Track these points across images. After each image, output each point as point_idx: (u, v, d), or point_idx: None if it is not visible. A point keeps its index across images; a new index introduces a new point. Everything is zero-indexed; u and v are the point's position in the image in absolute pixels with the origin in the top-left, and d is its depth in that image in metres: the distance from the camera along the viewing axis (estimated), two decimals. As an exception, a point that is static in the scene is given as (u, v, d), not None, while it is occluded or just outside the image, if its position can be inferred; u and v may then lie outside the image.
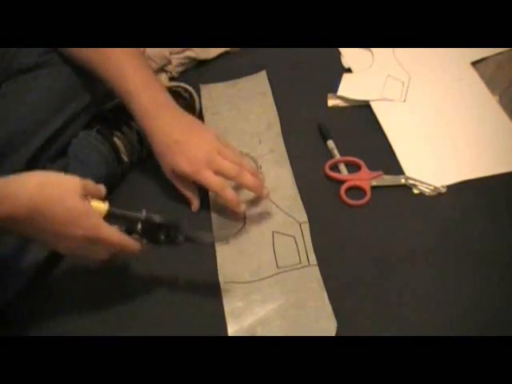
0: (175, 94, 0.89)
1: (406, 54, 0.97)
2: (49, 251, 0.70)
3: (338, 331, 0.65)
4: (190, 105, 0.89)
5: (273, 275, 0.69)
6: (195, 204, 0.76)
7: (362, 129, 0.88)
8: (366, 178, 0.80)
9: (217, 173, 0.71)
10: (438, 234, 0.73)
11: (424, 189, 0.79)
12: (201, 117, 0.90)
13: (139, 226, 0.60)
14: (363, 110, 0.91)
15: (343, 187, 0.79)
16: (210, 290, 0.69)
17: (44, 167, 0.74)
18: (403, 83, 0.93)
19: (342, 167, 0.83)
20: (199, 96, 0.91)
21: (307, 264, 0.70)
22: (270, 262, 0.70)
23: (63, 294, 0.72)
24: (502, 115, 0.87)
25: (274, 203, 0.76)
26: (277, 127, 0.87)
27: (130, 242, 0.61)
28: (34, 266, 0.69)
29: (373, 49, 0.99)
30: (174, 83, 0.93)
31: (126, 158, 0.81)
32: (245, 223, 0.74)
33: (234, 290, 0.68)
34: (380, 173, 0.80)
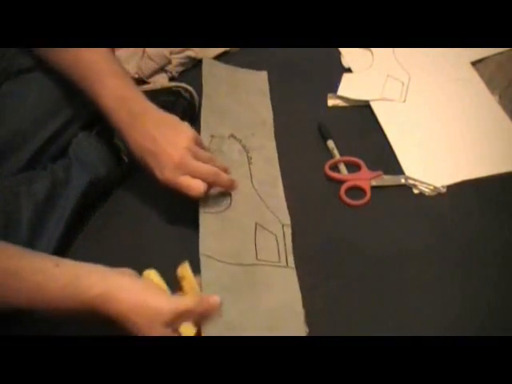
0: (175, 93, 0.89)
1: (406, 54, 0.97)
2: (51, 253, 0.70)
3: (337, 331, 0.65)
4: (190, 105, 0.89)
5: (251, 265, 0.67)
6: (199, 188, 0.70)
7: (362, 129, 0.88)
8: (366, 178, 0.80)
9: (194, 177, 0.68)
10: (437, 234, 0.74)
11: (424, 189, 0.79)
12: (200, 116, 0.90)
13: None
14: (363, 109, 0.91)
15: (343, 187, 0.79)
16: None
17: (45, 167, 0.74)
18: (403, 83, 0.93)
19: (342, 167, 0.83)
20: (199, 96, 0.91)
21: (285, 265, 0.68)
22: (250, 251, 0.68)
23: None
24: (502, 115, 0.87)
25: (260, 197, 0.75)
26: (270, 127, 0.86)
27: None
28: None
29: (373, 49, 0.99)
30: (173, 83, 0.93)
31: (126, 158, 0.81)
32: (230, 202, 0.72)
33: (213, 266, 0.65)
34: (380, 173, 0.80)
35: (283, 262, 0.69)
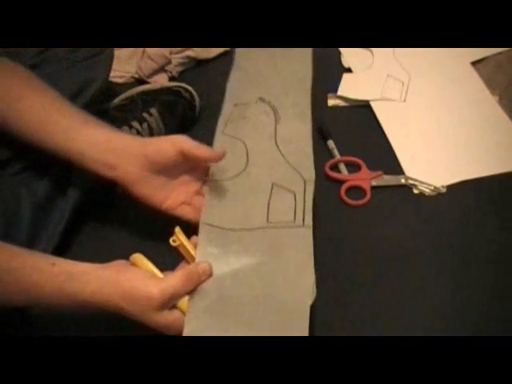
0: (175, 93, 0.89)
1: (406, 54, 0.97)
2: (50, 252, 0.70)
3: (337, 331, 0.65)
4: (190, 105, 0.89)
5: (259, 228, 0.63)
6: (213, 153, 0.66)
7: (362, 129, 0.88)
8: (366, 178, 0.80)
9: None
10: (437, 234, 0.74)
11: (424, 189, 0.79)
12: (200, 116, 0.90)
13: None
14: (363, 110, 0.91)
15: (343, 187, 0.79)
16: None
17: (46, 167, 0.74)
18: (403, 83, 0.93)
19: (342, 167, 0.83)
20: (199, 96, 0.91)
21: (301, 224, 0.63)
22: (261, 214, 0.64)
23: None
24: (502, 115, 0.87)
25: (283, 155, 0.71)
26: (308, 84, 0.81)
27: None
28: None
29: (373, 49, 0.99)
30: (173, 83, 0.93)
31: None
32: (246, 166, 0.70)
33: (213, 235, 0.62)
34: (380, 173, 0.80)
35: (299, 222, 0.64)
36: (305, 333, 0.53)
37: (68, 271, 0.57)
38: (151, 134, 0.83)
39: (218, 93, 0.81)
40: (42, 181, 0.71)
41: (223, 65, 1.00)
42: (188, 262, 0.61)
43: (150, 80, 0.99)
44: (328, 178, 0.81)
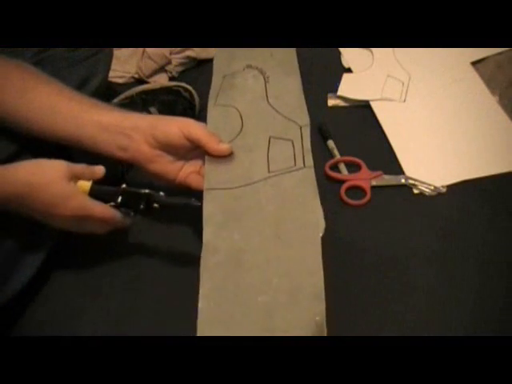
0: (175, 93, 0.89)
1: (406, 54, 0.97)
2: (48, 251, 0.70)
3: (337, 331, 0.65)
4: (190, 104, 0.89)
5: (261, 180, 0.63)
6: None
7: (362, 129, 0.88)
8: (366, 178, 0.80)
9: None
10: (437, 234, 0.74)
11: (424, 189, 0.79)
12: (200, 116, 0.90)
13: (119, 199, 0.64)
14: (363, 110, 0.91)
15: (343, 187, 0.79)
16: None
17: None
18: (403, 83, 0.93)
19: (342, 167, 0.83)
20: (199, 95, 0.91)
21: (302, 166, 0.64)
22: (262, 166, 0.65)
23: (63, 293, 0.72)
24: (502, 115, 0.87)
25: (276, 110, 0.71)
26: (293, 49, 0.82)
27: (114, 214, 0.64)
28: (34, 266, 0.69)
29: (373, 49, 0.99)
30: (173, 83, 0.93)
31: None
32: (241, 129, 0.69)
33: (217, 198, 0.62)
34: (380, 173, 0.80)
35: (299, 165, 0.64)
36: (320, 268, 0.55)
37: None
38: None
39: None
40: None
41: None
42: None
43: (149, 80, 0.99)
44: (328, 177, 0.81)
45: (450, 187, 0.78)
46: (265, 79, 0.76)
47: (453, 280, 0.69)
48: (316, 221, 0.58)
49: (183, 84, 0.90)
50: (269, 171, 0.64)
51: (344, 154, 0.84)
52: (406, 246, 0.73)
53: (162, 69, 1.00)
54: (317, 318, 0.51)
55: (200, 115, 0.90)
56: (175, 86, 0.90)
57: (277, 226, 0.58)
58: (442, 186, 0.78)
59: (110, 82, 0.96)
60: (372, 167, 0.81)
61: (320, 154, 0.84)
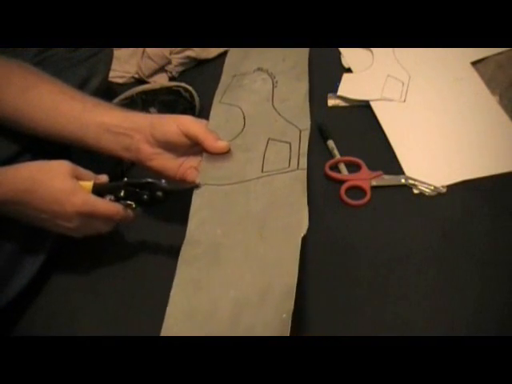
0: (175, 93, 0.89)
1: (406, 54, 0.97)
2: (48, 252, 0.70)
3: (337, 331, 0.65)
4: (190, 104, 0.89)
5: (253, 179, 0.63)
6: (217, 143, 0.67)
7: (362, 129, 0.88)
8: (366, 178, 0.80)
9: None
10: (437, 234, 0.74)
11: (424, 189, 0.79)
12: (200, 116, 0.90)
13: (122, 193, 0.64)
14: (363, 110, 0.91)
15: (343, 187, 0.79)
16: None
17: None
18: (403, 83, 0.93)
19: (342, 167, 0.83)
20: (199, 95, 0.91)
21: (296, 168, 0.63)
22: (256, 166, 0.65)
23: (63, 293, 0.72)
24: (502, 115, 0.87)
25: (279, 113, 0.71)
26: (306, 51, 0.82)
27: (119, 208, 0.64)
28: (34, 268, 0.69)
29: (373, 49, 0.99)
30: (173, 83, 0.93)
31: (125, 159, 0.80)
32: (243, 129, 0.70)
33: (207, 193, 0.63)
34: (380, 173, 0.80)
35: (293, 166, 0.64)
36: (295, 269, 0.53)
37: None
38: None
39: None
40: None
41: (223, 65, 1.00)
42: None
43: (149, 80, 0.99)
44: (328, 177, 0.81)
45: (450, 187, 0.78)
46: (273, 84, 0.76)
47: (453, 280, 0.69)
48: (300, 221, 0.57)
49: (183, 84, 0.90)
50: (262, 171, 0.64)
51: (344, 154, 0.84)
52: (406, 246, 0.73)
53: (162, 69, 1.00)
54: (284, 316, 0.51)
55: (200, 115, 0.90)
56: (175, 86, 0.90)
57: (261, 225, 0.58)
58: (442, 186, 0.78)
59: (110, 82, 0.96)
60: (372, 167, 0.81)
61: (320, 154, 0.84)
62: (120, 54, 0.99)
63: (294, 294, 0.51)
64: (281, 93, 0.74)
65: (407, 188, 0.79)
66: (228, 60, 0.82)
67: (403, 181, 0.80)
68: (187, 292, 0.54)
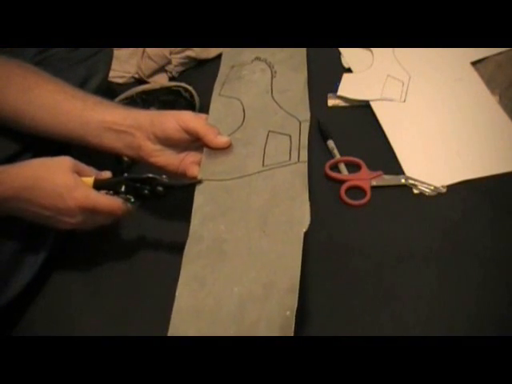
0: (175, 93, 0.89)
1: (406, 54, 0.97)
2: (48, 252, 0.70)
3: (337, 331, 0.65)
4: (190, 104, 0.89)
5: (254, 173, 0.63)
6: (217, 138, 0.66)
7: (362, 129, 0.88)
8: (366, 178, 0.80)
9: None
10: (437, 234, 0.74)
11: (424, 189, 0.79)
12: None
13: (123, 188, 0.64)
14: (363, 110, 0.91)
15: (343, 187, 0.79)
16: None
17: None
18: (403, 83, 0.93)
19: (342, 167, 0.83)
20: (199, 95, 0.91)
21: (296, 161, 0.63)
22: (257, 160, 0.65)
23: (63, 293, 0.72)
24: (502, 115, 0.87)
25: (279, 105, 0.71)
26: (302, 50, 0.81)
27: (120, 203, 0.64)
28: (35, 268, 0.69)
29: (373, 49, 0.99)
30: (173, 83, 0.93)
31: (126, 157, 0.81)
32: (243, 122, 0.70)
33: (209, 188, 0.63)
34: (380, 173, 0.80)
35: (294, 159, 0.63)
36: (298, 263, 0.53)
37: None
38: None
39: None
40: None
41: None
42: None
43: (149, 80, 0.99)
44: (328, 177, 0.81)
45: (450, 187, 0.78)
46: (272, 74, 0.76)
47: (453, 280, 0.69)
48: (301, 216, 0.57)
49: (183, 84, 0.90)
50: (263, 165, 0.64)
51: (344, 154, 0.84)
52: (406, 246, 0.73)
53: (162, 69, 1.00)
54: (287, 313, 0.51)
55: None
56: (175, 86, 0.90)
57: (263, 220, 0.58)
58: (442, 186, 0.78)
59: (110, 82, 0.96)
60: (372, 167, 0.81)
61: (320, 154, 0.84)
62: (120, 53, 0.99)
63: (298, 290, 0.51)
64: (280, 84, 0.74)
65: (407, 188, 0.79)
66: (225, 52, 0.82)
67: (403, 181, 0.80)
68: (193, 289, 0.54)
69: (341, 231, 0.75)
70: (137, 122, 0.65)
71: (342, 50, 1.00)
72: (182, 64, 1.01)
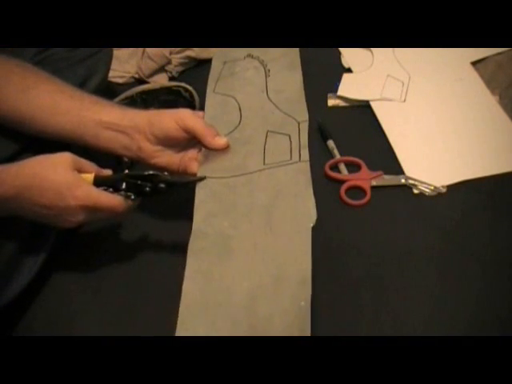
0: (175, 93, 0.89)
1: (406, 54, 0.97)
2: (48, 252, 0.70)
3: (337, 331, 0.65)
4: (190, 104, 0.89)
5: (255, 171, 0.63)
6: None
7: (362, 129, 0.88)
8: (366, 178, 0.80)
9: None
10: (437, 234, 0.74)
11: (424, 189, 0.79)
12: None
13: (124, 185, 0.63)
14: (363, 110, 0.91)
15: (343, 187, 0.79)
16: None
17: None
18: (403, 83, 0.93)
19: (342, 167, 0.83)
20: (199, 95, 0.91)
21: (298, 160, 0.63)
22: (257, 158, 0.65)
23: (63, 293, 0.72)
24: (502, 115, 0.87)
25: (275, 105, 0.71)
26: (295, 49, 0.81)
27: (121, 200, 0.63)
28: (35, 268, 0.69)
29: (373, 49, 0.99)
30: (173, 83, 0.93)
31: (126, 158, 0.81)
32: (240, 122, 0.69)
33: (210, 185, 0.63)
34: (380, 173, 0.80)
35: (295, 159, 0.64)
36: (308, 256, 0.54)
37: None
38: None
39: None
40: None
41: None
42: None
43: (149, 80, 0.99)
44: (328, 177, 0.81)
45: (450, 187, 0.78)
46: (266, 72, 0.76)
47: (453, 280, 0.69)
48: (307, 211, 0.58)
49: (183, 84, 0.90)
50: (264, 163, 0.64)
51: (344, 154, 0.84)
52: (406, 246, 0.73)
53: (162, 69, 1.00)
54: (302, 303, 0.51)
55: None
56: (175, 86, 0.90)
57: (267, 216, 0.58)
58: (442, 186, 0.78)
59: (110, 82, 0.96)
60: (372, 167, 0.81)
61: (320, 154, 0.84)
62: (120, 53, 0.99)
63: (310, 281, 0.51)
64: (275, 83, 0.74)
65: (407, 188, 0.79)
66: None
67: (403, 181, 0.80)
68: (199, 284, 0.54)
69: (341, 231, 0.75)
70: (134, 123, 0.65)
71: (342, 50, 1.00)
72: (181, 64, 1.01)
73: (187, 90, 0.89)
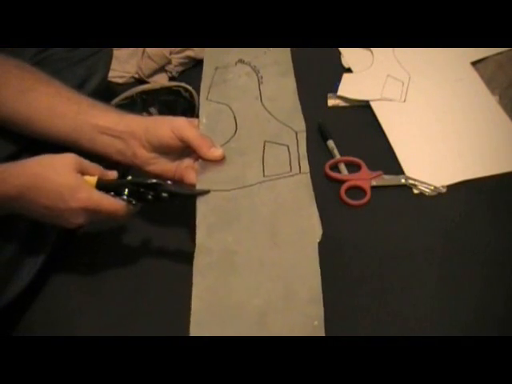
0: (175, 93, 0.89)
1: (406, 54, 0.97)
2: (48, 253, 0.70)
3: (337, 331, 0.65)
4: (189, 104, 0.89)
5: (255, 184, 0.62)
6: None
7: (362, 129, 0.88)
8: (366, 178, 0.80)
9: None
10: (437, 234, 0.74)
11: (424, 189, 0.79)
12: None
13: (126, 191, 0.63)
14: (363, 110, 0.91)
15: (343, 187, 0.79)
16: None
17: None
18: (403, 83, 0.93)
19: (342, 167, 0.83)
20: (199, 95, 0.91)
21: (298, 172, 0.63)
22: (256, 170, 0.64)
23: (63, 293, 0.72)
24: (502, 115, 0.87)
25: (271, 113, 0.70)
26: (287, 50, 0.80)
27: (122, 206, 0.63)
28: (35, 268, 0.69)
29: (373, 49, 0.99)
30: (173, 83, 0.93)
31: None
32: (235, 132, 0.69)
33: (210, 199, 0.62)
34: (380, 173, 0.80)
35: (295, 170, 0.63)
36: (316, 271, 0.54)
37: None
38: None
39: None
40: None
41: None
42: None
43: (149, 80, 0.99)
44: (328, 177, 0.81)
45: (450, 187, 0.78)
46: (258, 79, 0.75)
47: (453, 280, 0.69)
48: (312, 227, 0.58)
49: (183, 84, 0.90)
50: (264, 175, 0.64)
51: (344, 154, 0.84)
52: (406, 246, 0.72)
53: (162, 69, 1.00)
54: (315, 323, 0.51)
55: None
56: (175, 86, 0.90)
57: (272, 230, 0.58)
58: (442, 186, 0.78)
59: (110, 82, 0.96)
60: (372, 167, 0.81)
61: (320, 154, 0.84)
62: (120, 53, 0.99)
63: (321, 299, 0.52)
64: (268, 90, 0.73)
65: (407, 188, 0.79)
66: (208, 50, 0.80)
67: (403, 181, 0.80)
68: (209, 303, 0.54)
69: (341, 231, 0.75)
70: (130, 129, 0.64)
71: (342, 50, 1.00)
72: (181, 64, 1.01)
73: (187, 90, 0.89)
